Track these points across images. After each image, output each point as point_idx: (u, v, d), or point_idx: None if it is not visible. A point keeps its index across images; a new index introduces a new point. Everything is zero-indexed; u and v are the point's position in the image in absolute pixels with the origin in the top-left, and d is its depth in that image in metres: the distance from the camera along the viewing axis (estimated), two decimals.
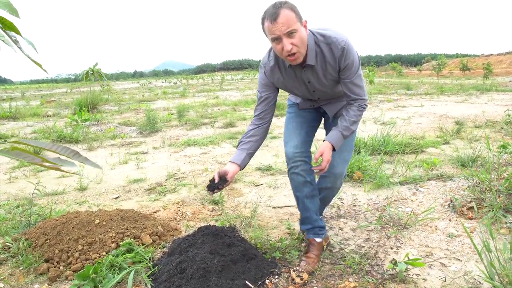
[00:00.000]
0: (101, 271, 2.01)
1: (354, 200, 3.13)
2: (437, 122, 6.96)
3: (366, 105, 1.96)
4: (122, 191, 3.76)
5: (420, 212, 2.76)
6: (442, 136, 5.56)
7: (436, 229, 2.50)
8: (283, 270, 1.98)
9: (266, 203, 3.16)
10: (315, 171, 1.94)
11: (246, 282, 1.78)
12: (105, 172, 4.53)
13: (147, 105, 13.65)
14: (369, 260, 2.11)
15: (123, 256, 2.13)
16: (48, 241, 2.35)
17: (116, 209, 2.74)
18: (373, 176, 3.57)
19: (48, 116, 11.86)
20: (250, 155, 2.03)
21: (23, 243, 2.38)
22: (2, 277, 2.14)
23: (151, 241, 2.37)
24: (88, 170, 4.64)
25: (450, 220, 2.62)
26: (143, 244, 2.33)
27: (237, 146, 2.05)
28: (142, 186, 3.89)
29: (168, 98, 17.41)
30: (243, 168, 2.02)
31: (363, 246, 2.30)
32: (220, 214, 2.95)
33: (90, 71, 9.99)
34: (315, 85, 1.96)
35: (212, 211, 3.06)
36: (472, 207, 2.69)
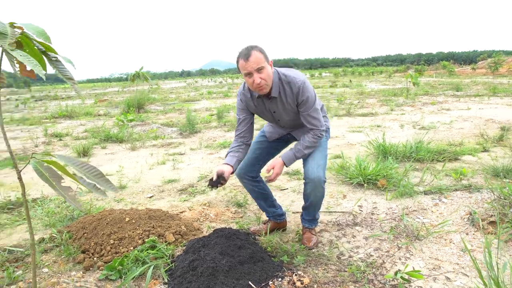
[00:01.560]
0: (127, 264, 2.26)
1: (373, 208, 3.18)
2: (481, 128, 6.67)
3: (322, 135, 2.34)
4: (156, 191, 4.06)
5: (437, 223, 2.76)
6: (482, 143, 5.35)
7: (450, 242, 2.50)
8: (287, 273, 2.11)
9: (287, 208, 3.28)
10: (265, 180, 2.31)
11: (249, 283, 1.94)
12: (144, 172, 4.88)
13: (190, 105, 14.21)
14: (374, 270, 2.19)
15: (147, 251, 2.37)
16: (85, 234, 2.65)
17: (146, 208, 3.00)
18: (397, 185, 3.58)
19: (99, 115, 12.73)
20: (239, 162, 2.40)
21: (65, 235, 2.70)
22: (47, 264, 2.46)
23: (174, 239, 2.60)
24: (128, 170, 5.02)
25: (467, 234, 2.60)
26: (166, 242, 2.56)
27: (226, 155, 2.40)
28: (175, 187, 4.16)
29: (212, 98, 17.94)
30: (234, 172, 2.36)
31: (372, 255, 2.37)
32: (241, 217, 3.13)
33: (136, 74, 10.60)
34: (279, 114, 2.37)
35: (234, 213, 3.25)
36: (493, 222, 2.65)
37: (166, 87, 35.32)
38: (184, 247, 2.52)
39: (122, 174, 4.79)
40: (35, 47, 1.90)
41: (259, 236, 2.65)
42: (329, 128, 2.62)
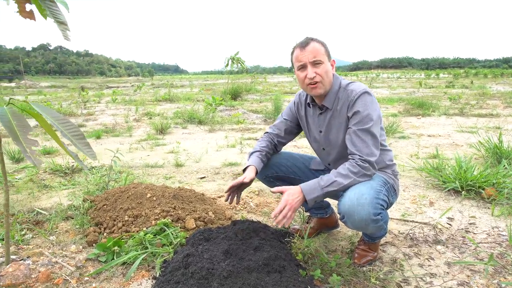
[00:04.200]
0: (126, 246, 1.89)
1: (470, 224, 2.29)
2: None
3: (364, 164, 1.60)
4: (211, 173, 3.69)
5: None
6: None
7: None
8: None
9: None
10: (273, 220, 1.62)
11: None
12: (209, 153, 4.58)
13: (287, 97, 13.78)
14: None
15: (153, 235, 1.96)
16: (105, 206, 2.37)
17: (178, 187, 2.62)
18: None
19: (198, 101, 13.13)
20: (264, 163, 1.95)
21: (88, 204, 2.46)
22: (58, 232, 2.23)
23: (194, 226, 2.15)
24: (195, 149, 4.78)
25: None
26: (185, 228, 2.13)
27: (253, 152, 1.94)
28: (232, 170, 3.74)
29: None
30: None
31: None
32: None
33: (231, 59, 10.54)
34: (326, 137, 1.83)
35: None
36: None
37: (273, 81, 35.54)
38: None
39: (188, 153, 4.55)
40: None
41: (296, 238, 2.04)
42: (397, 175, 1.86)
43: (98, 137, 5.76)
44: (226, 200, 1.82)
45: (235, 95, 12.68)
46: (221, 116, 7.96)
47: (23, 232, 2.20)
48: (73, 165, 3.74)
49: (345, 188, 1.60)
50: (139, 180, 3.31)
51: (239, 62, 10.79)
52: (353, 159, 1.62)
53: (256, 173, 1.83)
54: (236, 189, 1.82)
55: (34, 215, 2.49)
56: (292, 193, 1.59)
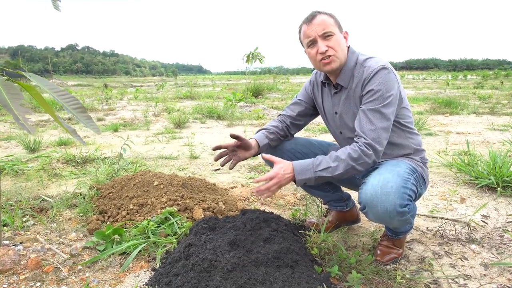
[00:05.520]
0: (127, 235, 1.76)
1: (508, 222, 2.05)
2: None
3: (367, 150, 1.42)
4: (226, 165, 3.54)
5: None
6: None
7: None
8: None
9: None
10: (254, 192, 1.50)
11: None
12: None
13: None
14: None
15: (156, 224, 1.83)
16: (111, 194, 2.26)
17: (189, 176, 2.49)
18: None
19: (218, 98, 13.08)
20: (268, 146, 1.80)
21: (93, 192, 2.36)
22: (60, 219, 2.13)
23: (202, 216, 2.00)
24: (212, 142, 4.66)
25: None
26: (192, 218, 1.99)
27: (260, 130, 1.81)
28: (249, 163, 3.59)
29: None
30: (258, 153, 1.76)
31: None
32: (305, 205, 2.36)
33: (250, 55, 10.40)
34: (342, 119, 1.66)
35: (299, 199, 2.50)
36: None
37: (296, 81, 35.28)
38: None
39: (205, 146, 4.43)
40: None
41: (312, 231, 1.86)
42: (426, 163, 1.65)
43: (116, 130, 5.73)
44: (216, 160, 1.74)
45: (256, 93, 12.54)
46: (241, 111, 7.83)
47: (25, 219, 2.11)
48: (85, 155, 3.67)
49: (341, 176, 1.43)
50: (147, 168, 3.21)
51: (258, 58, 10.60)
52: (357, 143, 1.45)
53: (258, 146, 1.69)
54: (230, 152, 1.71)
55: (39, 202, 2.40)
56: (283, 168, 1.45)
